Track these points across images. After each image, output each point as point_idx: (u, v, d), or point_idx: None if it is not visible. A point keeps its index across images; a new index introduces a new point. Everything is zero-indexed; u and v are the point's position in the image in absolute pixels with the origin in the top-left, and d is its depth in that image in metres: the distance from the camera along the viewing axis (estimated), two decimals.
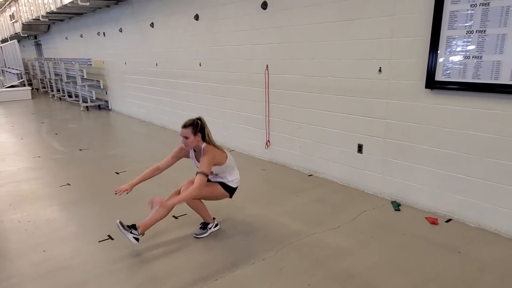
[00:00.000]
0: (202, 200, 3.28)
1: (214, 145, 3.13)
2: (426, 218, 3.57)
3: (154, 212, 3.07)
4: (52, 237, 3.40)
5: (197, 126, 3.03)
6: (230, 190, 3.30)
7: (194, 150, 3.21)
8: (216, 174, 3.24)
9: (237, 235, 3.36)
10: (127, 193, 3.07)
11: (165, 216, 3.14)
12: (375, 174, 4.15)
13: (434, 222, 3.48)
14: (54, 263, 2.96)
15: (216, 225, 3.43)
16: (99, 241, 3.28)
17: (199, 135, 3.05)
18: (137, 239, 3.01)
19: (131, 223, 3.05)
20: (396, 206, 3.84)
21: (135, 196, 4.02)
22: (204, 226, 3.36)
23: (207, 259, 2.99)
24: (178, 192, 3.13)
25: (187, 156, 3.26)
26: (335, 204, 3.98)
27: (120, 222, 2.99)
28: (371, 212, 3.76)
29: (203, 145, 3.08)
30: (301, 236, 3.29)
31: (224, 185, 3.25)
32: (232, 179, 3.28)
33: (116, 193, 3.03)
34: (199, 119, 3.10)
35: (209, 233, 3.35)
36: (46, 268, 2.90)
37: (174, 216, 3.70)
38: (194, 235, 3.32)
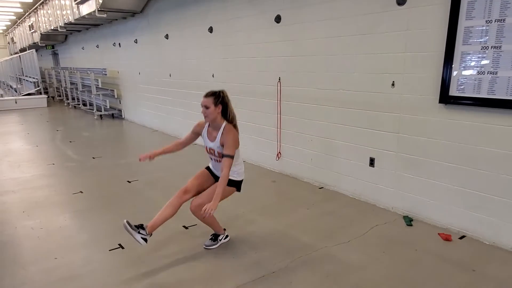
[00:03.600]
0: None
1: (235, 126, 3.05)
2: (439, 234, 3.51)
3: (162, 211, 3.01)
4: (64, 244, 3.44)
5: (218, 97, 2.95)
6: (237, 184, 3.18)
7: (209, 126, 3.10)
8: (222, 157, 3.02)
9: (247, 247, 3.35)
10: (150, 160, 3.12)
11: (173, 215, 3.05)
12: (387, 188, 4.11)
13: (447, 238, 3.42)
14: (65, 271, 2.98)
15: (227, 236, 3.43)
16: (109, 250, 3.30)
17: (220, 107, 2.96)
18: (145, 240, 2.92)
19: (139, 223, 2.97)
20: (408, 221, 3.79)
21: (146, 205, 4.05)
22: (215, 237, 3.36)
23: (217, 271, 2.98)
24: (184, 191, 3.06)
25: (201, 133, 3.18)
26: (346, 218, 3.95)
27: (128, 222, 2.90)
28: (382, 227, 3.72)
29: (224, 123, 3.00)
30: (312, 250, 3.26)
31: (229, 182, 3.04)
32: (236, 169, 3.12)
33: (140, 160, 3.08)
34: (222, 91, 3.00)
35: (219, 245, 3.35)
36: (58, 275, 2.92)
37: (184, 226, 3.71)
38: (204, 246, 3.31)
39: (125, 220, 2.91)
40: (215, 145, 3.05)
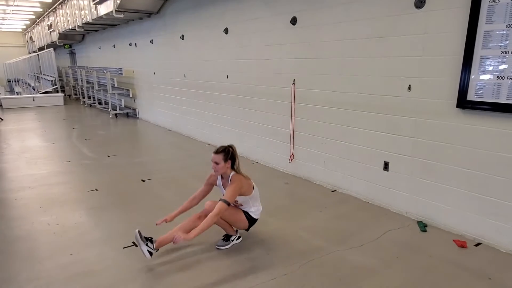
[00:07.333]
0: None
1: (242, 175, 3.19)
2: (454, 240, 3.46)
3: (173, 231, 3.07)
4: (79, 240, 3.49)
5: (228, 153, 3.13)
6: (251, 221, 3.34)
7: (222, 177, 3.27)
8: (241, 204, 3.30)
9: (259, 249, 3.35)
10: (167, 222, 3.18)
11: None
12: (401, 192, 4.07)
13: (462, 245, 3.37)
14: (80, 267, 3.03)
15: (239, 237, 3.44)
16: (123, 247, 3.34)
17: (229, 162, 3.14)
18: (150, 253, 3.01)
19: (149, 236, 3.06)
20: (423, 226, 3.74)
21: (160, 204, 4.09)
22: (227, 238, 3.37)
23: (229, 272, 2.99)
24: (198, 217, 3.15)
25: (215, 183, 3.34)
26: (359, 222, 3.92)
27: (139, 232, 3.02)
28: (396, 232, 3.68)
29: (232, 173, 3.16)
30: (324, 253, 3.25)
31: (246, 214, 3.30)
32: (254, 210, 3.33)
33: (157, 224, 3.15)
34: (231, 146, 3.18)
35: (231, 245, 3.36)
36: (73, 271, 2.97)
37: None
38: (217, 246, 3.33)
39: (137, 230, 3.02)
40: None
